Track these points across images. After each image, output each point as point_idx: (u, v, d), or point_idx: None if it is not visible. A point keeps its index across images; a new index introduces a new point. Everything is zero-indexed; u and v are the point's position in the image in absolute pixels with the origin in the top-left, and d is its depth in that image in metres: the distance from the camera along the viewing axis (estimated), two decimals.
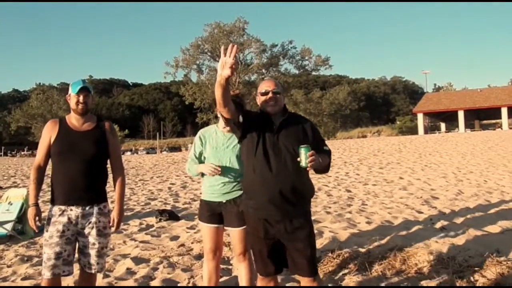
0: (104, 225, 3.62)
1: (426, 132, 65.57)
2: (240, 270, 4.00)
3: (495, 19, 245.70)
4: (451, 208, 8.52)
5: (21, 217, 7.62)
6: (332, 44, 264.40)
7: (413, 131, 71.65)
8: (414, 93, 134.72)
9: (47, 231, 3.49)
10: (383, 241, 6.03)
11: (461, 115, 65.08)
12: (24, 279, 5.27)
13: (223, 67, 2.95)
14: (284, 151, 3.18)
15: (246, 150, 3.31)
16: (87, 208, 3.56)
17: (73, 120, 3.66)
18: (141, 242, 6.71)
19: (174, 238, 6.90)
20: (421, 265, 4.90)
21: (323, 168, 3.30)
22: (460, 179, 13.27)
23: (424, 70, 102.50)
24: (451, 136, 40.69)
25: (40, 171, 3.61)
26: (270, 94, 3.30)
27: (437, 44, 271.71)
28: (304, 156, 3.03)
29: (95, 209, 3.59)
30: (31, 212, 3.51)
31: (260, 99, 3.38)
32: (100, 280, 4.97)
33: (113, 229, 3.72)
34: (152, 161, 31.48)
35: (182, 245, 6.36)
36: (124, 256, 6.00)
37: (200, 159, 4.08)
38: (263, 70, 59.34)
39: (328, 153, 3.37)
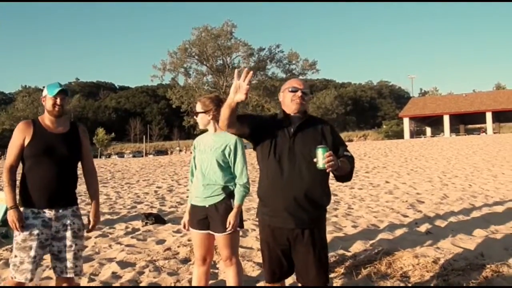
0: (78, 227, 3.59)
1: (412, 136, 66.12)
2: (228, 275, 3.96)
3: (481, 25, 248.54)
4: (436, 212, 8.58)
5: (5, 220, 7.54)
6: (319, 48, 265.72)
7: (399, 135, 72.29)
8: (400, 98, 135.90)
9: (19, 234, 3.42)
10: (369, 245, 6.05)
11: (446, 119, 65.73)
12: None
13: (237, 91, 2.89)
14: (299, 156, 3.10)
15: (261, 156, 3.25)
16: (60, 211, 3.52)
17: (48, 121, 3.61)
18: (127, 246, 6.67)
19: (160, 242, 6.87)
20: (406, 269, 4.93)
21: (344, 173, 3.14)
22: (445, 183, 13.39)
23: (410, 75, 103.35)
24: (437, 141, 41.06)
25: (13, 172, 3.54)
26: (299, 93, 3.18)
27: (423, 48, 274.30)
28: (321, 157, 2.89)
29: (69, 211, 3.57)
30: (12, 215, 3.41)
31: (285, 96, 3.25)
32: (85, 285, 4.94)
33: (85, 232, 3.70)
34: (138, 164, 31.34)
35: (168, 249, 6.34)
36: (110, 260, 5.96)
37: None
38: None
39: (350, 159, 3.20)
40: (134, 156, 71.51)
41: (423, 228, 7.05)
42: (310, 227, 3.13)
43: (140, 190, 15.02)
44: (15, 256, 3.44)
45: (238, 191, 3.82)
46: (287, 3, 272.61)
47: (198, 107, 3.97)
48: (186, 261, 5.68)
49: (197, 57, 59.00)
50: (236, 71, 2.92)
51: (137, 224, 8.40)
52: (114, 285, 4.93)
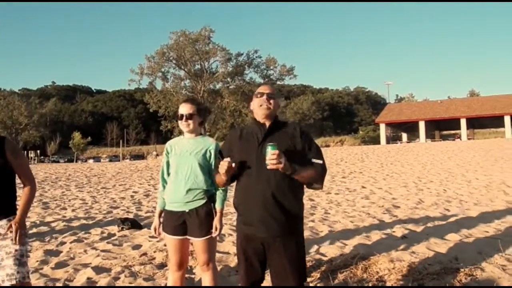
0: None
1: (388, 142, 66.80)
2: (204, 280, 3.95)
3: (456, 32, 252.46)
4: (412, 216, 8.68)
5: None
6: (297, 54, 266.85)
7: (376, 141, 72.98)
8: (376, 104, 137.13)
9: None
10: (345, 250, 6.09)
11: (422, 125, 66.60)
12: None
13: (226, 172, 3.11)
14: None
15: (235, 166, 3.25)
16: None
17: None
18: (103, 251, 6.60)
19: (136, 247, 6.81)
20: (382, 273, 4.97)
21: (304, 180, 3.15)
22: (420, 188, 13.55)
23: (386, 81, 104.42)
24: (412, 146, 41.55)
25: None
26: (264, 97, 3.22)
27: (399, 55, 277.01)
28: (268, 155, 2.94)
29: (4, 221, 3.53)
30: None
31: (253, 103, 3.29)
32: None
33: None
34: (115, 169, 31.08)
35: (144, 254, 6.29)
36: (85, 265, 5.89)
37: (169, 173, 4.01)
38: (228, 79, 59.45)
39: (317, 165, 3.17)
40: (110, 161, 70.93)
41: (398, 232, 7.11)
42: (283, 234, 3.13)
43: (117, 194, 14.90)
44: None
45: (219, 195, 3.81)
46: (265, 8, 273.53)
47: (190, 109, 3.90)
48: (162, 266, 5.64)
49: (175, 61, 58.74)
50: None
51: (113, 229, 8.32)
52: None
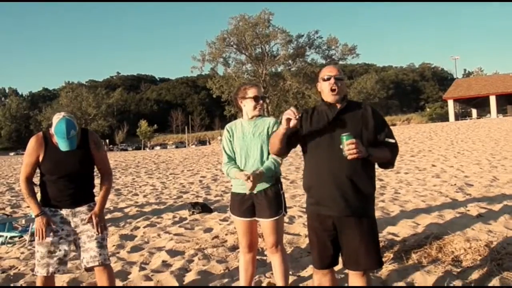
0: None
1: (457, 118, 64.58)
2: (274, 263, 3.96)
3: None
4: (487, 195, 8.38)
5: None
6: (359, 32, 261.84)
7: (444, 118, 70.74)
8: (443, 80, 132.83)
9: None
10: (418, 230, 5.96)
11: (492, 100, 63.81)
12: None
13: (289, 122, 3.03)
14: (339, 145, 3.02)
15: (305, 147, 3.26)
16: (77, 208, 3.66)
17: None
18: (175, 235, 6.77)
19: (208, 230, 6.95)
20: (458, 253, 4.83)
21: (380, 161, 3.17)
22: (494, 166, 13.03)
23: (453, 56, 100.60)
24: (483, 122, 40.00)
25: (31, 183, 3.69)
26: (332, 80, 3.13)
27: (466, 28, 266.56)
28: (344, 145, 2.91)
29: (85, 207, 3.69)
30: (40, 221, 3.54)
31: (321, 86, 3.21)
32: (136, 273, 5.05)
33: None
34: (181, 155, 31.75)
35: (216, 237, 6.40)
36: (159, 249, 6.07)
37: (232, 156, 3.99)
38: (290, 61, 59.27)
39: (391, 146, 3.15)
40: (177, 147, 72.41)
41: (473, 211, 6.88)
42: (356, 214, 3.10)
43: (185, 180, 15.23)
44: (37, 252, 3.59)
45: (269, 162, 3.78)
46: None
47: (257, 92, 3.93)
48: (234, 248, 5.72)
49: (235, 46, 59.13)
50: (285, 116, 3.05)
51: (184, 213, 8.51)
52: (164, 273, 5.00)
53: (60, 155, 3.59)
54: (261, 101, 3.95)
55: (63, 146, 3.50)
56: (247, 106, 3.94)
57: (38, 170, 3.71)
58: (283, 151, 3.26)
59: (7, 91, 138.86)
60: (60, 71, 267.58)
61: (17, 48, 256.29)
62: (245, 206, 3.88)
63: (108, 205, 10.28)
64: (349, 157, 2.92)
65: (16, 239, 7.24)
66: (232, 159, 3.97)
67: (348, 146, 2.89)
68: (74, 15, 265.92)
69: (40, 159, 3.61)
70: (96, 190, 3.86)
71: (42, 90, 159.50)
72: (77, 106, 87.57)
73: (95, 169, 3.85)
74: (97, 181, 3.83)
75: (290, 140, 3.19)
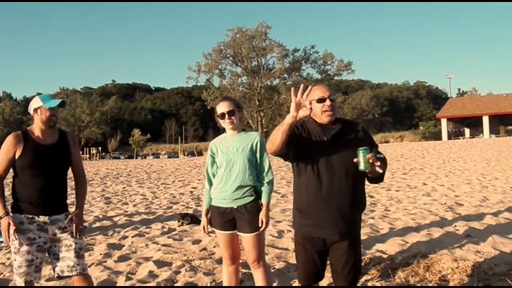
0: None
1: (450, 137, 64.92)
2: (256, 278, 3.95)
3: None
4: (476, 214, 8.39)
5: None
6: (355, 48, 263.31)
7: (437, 136, 71.15)
8: (437, 98, 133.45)
9: (16, 239, 3.45)
10: (406, 248, 5.97)
11: (485, 120, 64.27)
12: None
13: (299, 109, 2.82)
14: (337, 167, 3.04)
15: (297, 169, 3.19)
16: (54, 216, 3.59)
17: (38, 133, 3.66)
18: (163, 245, 6.74)
19: (196, 242, 6.91)
20: (445, 272, 4.83)
21: (377, 175, 3.10)
22: (485, 186, 13.07)
23: (448, 75, 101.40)
24: (476, 142, 40.21)
25: (1, 182, 3.63)
26: (328, 102, 3.07)
27: (461, 48, 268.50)
28: (363, 159, 2.86)
29: (62, 216, 3.63)
30: (4, 222, 3.46)
31: (314, 107, 3.06)
32: (122, 283, 5.02)
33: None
34: (174, 165, 31.66)
35: (204, 249, 6.38)
36: (147, 259, 6.03)
37: (212, 179, 4.03)
38: (285, 75, 59.48)
39: (383, 160, 3.07)
40: (169, 157, 72.24)
41: (462, 231, 6.90)
42: (351, 235, 3.13)
43: (176, 190, 15.17)
44: (15, 260, 3.52)
45: (266, 189, 3.82)
46: (321, 3, 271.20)
47: (230, 106, 3.90)
48: (221, 261, 5.66)
49: (231, 58, 59.37)
50: (292, 89, 2.85)
51: (173, 224, 8.48)
52: (150, 284, 4.97)
53: (41, 148, 3.58)
54: (232, 117, 3.88)
55: (51, 103, 3.63)
56: (221, 123, 3.98)
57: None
58: (282, 148, 2.98)
59: (1, 95, 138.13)
60: (55, 76, 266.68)
61: (12, 52, 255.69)
62: (226, 219, 3.88)
63: (97, 213, 10.23)
64: (377, 169, 2.89)
65: (3, 244, 7.17)
66: (212, 184, 4.03)
67: (372, 160, 2.85)
68: (73, 20, 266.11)
69: (17, 155, 3.54)
70: (70, 201, 3.82)
71: (36, 95, 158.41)
72: (71, 112, 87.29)
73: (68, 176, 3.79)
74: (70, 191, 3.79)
75: (290, 139, 3.02)
